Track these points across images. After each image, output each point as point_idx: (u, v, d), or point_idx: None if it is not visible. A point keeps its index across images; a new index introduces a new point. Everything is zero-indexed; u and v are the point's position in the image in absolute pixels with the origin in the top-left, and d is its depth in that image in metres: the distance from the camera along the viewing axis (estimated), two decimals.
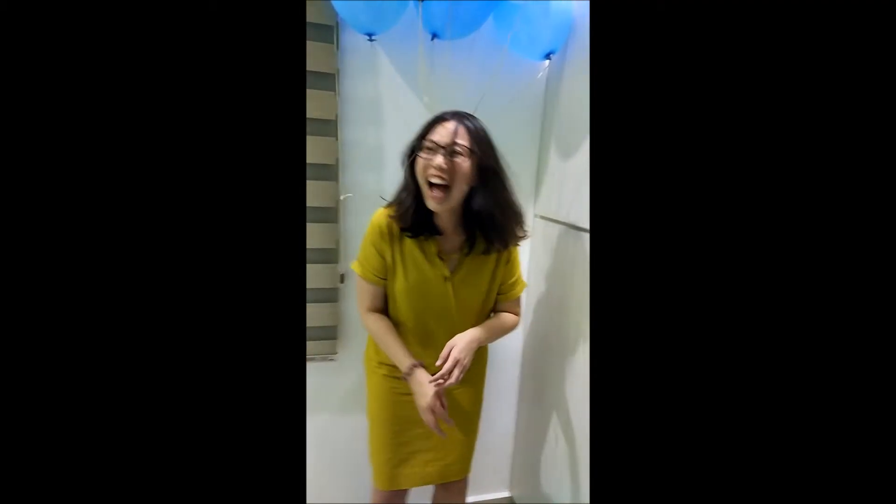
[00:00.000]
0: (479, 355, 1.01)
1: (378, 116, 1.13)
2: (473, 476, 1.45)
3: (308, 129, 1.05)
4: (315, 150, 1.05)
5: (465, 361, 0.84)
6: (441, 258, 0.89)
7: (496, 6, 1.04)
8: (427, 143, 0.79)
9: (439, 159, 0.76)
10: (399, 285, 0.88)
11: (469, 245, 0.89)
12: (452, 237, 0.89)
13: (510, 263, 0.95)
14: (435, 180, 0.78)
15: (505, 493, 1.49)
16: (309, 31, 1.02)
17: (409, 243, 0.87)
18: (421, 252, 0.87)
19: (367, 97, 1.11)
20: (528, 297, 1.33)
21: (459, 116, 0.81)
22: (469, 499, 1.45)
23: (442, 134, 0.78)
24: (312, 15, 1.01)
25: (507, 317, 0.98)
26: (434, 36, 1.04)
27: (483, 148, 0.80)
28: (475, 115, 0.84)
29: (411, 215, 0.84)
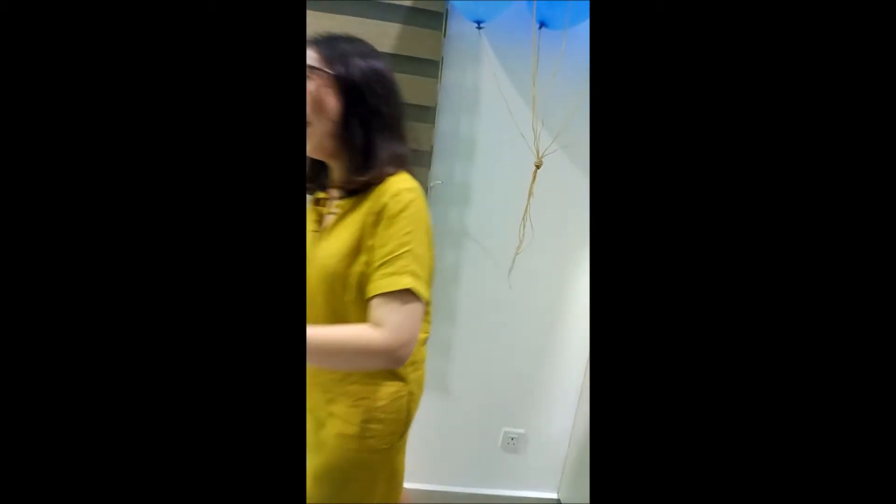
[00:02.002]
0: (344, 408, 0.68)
1: (476, 106, 1.14)
2: (522, 473, 1.46)
3: (408, 114, 1.08)
4: (411, 136, 1.08)
5: None
6: (321, 214, 0.70)
7: None
8: None
9: None
10: None
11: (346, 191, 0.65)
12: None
13: (386, 226, 0.58)
14: None
15: (552, 495, 1.48)
16: (417, 18, 1.04)
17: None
18: (313, 210, 0.72)
19: (468, 86, 1.12)
20: None
21: (315, 40, 0.63)
22: (516, 493, 1.47)
23: None
24: (422, 2, 1.03)
25: (358, 329, 0.58)
26: (542, 25, 1.02)
27: (339, 66, 0.61)
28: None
29: (309, 172, 0.71)
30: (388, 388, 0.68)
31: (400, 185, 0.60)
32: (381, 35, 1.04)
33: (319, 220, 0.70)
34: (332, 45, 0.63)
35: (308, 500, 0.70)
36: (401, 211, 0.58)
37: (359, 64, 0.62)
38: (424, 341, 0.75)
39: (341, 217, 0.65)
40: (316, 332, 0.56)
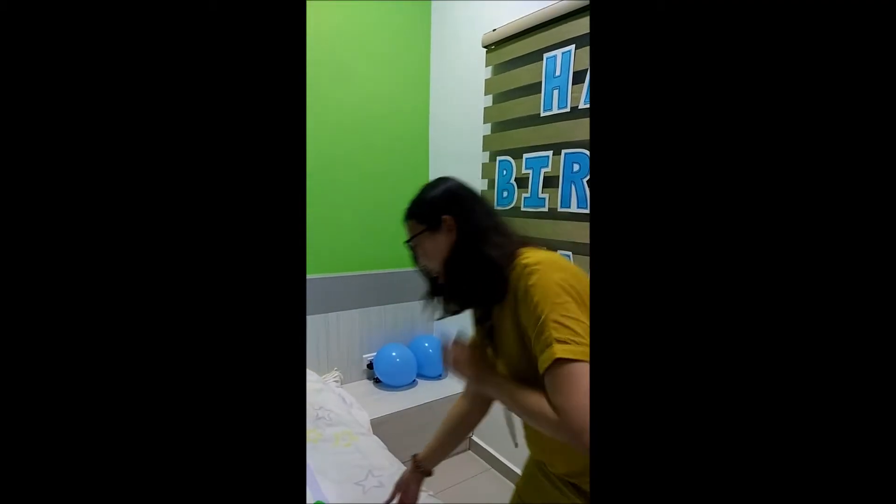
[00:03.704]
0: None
1: None
2: None
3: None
4: None
5: (462, 369, 0.70)
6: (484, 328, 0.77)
7: None
8: None
9: None
10: None
11: None
12: None
13: (523, 307, 0.60)
14: None
15: None
16: None
17: None
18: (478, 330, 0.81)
19: None
20: None
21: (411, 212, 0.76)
22: None
23: None
24: None
25: (537, 396, 0.58)
26: None
27: (425, 219, 0.73)
28: None
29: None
30: None
31: (520, 266, 0.62)
32: None
33: (489, 334, 0.72)
34: (420, 204, 0.72)
35: None
36: (528, 288, 0.59)
37: (436, 206, 0.70)
38: None
39: (499, 318, 0.68)
40: (515, 389, 0.62)
